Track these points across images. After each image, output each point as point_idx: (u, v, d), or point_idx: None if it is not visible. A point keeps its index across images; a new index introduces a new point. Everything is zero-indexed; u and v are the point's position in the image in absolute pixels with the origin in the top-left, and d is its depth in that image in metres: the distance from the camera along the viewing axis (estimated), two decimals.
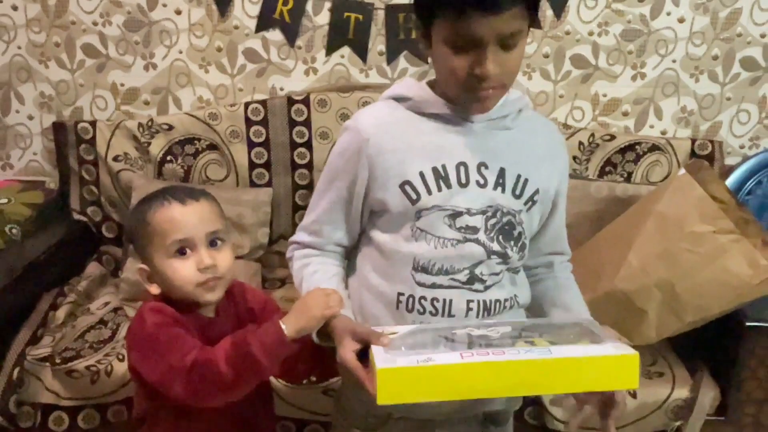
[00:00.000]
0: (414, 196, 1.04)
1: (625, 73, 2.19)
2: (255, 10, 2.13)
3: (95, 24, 2.15)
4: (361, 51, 2.17)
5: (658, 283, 1.60)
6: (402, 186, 1.04)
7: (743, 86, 2.20)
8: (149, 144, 2.13)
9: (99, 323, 1.84)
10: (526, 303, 1.14)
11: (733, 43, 2.15)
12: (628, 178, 2.15)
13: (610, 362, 0.90)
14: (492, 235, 1.05)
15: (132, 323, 1.09)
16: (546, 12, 2.11)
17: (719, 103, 2.21)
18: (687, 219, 1.60)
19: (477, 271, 1.05)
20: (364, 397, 0.94)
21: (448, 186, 1.04)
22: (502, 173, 1.06)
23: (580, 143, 2.15)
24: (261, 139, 2.15)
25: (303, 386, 1.61)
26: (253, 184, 2.16)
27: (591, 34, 2.15)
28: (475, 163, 1.05)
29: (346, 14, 2.13)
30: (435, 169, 1.04)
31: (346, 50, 2.17)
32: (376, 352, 0.93)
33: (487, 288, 1.06)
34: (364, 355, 0.97)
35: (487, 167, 1.05)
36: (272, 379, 1.31)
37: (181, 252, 1.06)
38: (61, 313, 1.84)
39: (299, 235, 1.17)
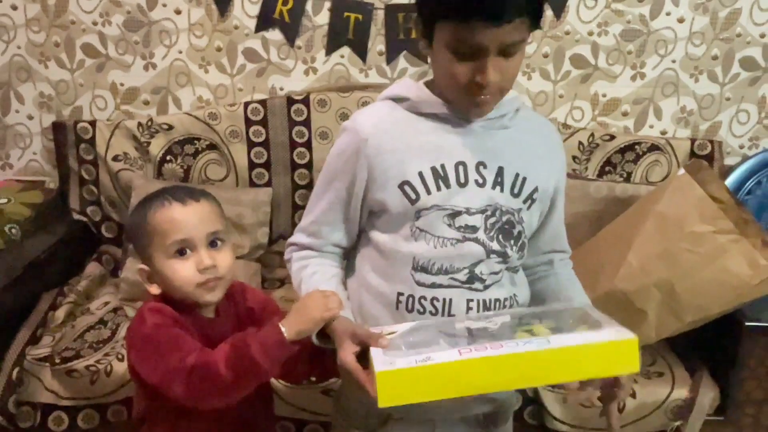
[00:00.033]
0: (413, 196, 1.04)
1: (624, 73, 2.19)
2: (255, 9, 2.13)
3: (95, 24, 2.15)
4: (361, 51, 2.17)
5: (658, 283, 1.60)
6: (401, 186, 1.04)
7: (743, 86, 2.20)
8: (149, 144, 2.13)
9: (99, 323, 1.83)
10: (526, 302, 1.14)
11: (733, 43, 2.15)
12: (627, 178, 2.16)
13: (609, 348, 0.90)
14: (491, 234, 1.05)
15: (132, 323, 1.09)
16: (546, 12, 2.11)
17: (719, 103, 2.22)
18: (686, 219, 1.60)
19: (477, 270, 1.05)
20: (365, 399, 0.94)
21: (447, 186, 1.04)
22: (500, 172, 1.06)
23: (580, 143, 2.15)
24: (261, 139, 2.15)
25: (302, 386, 1.61)
26: (252, 184, 2.17)
27: (591, 34, 2.15)
28: (473, 162, 1.05)
29: (345, 14, 2.13)
30: (434, 169, 1.04)
31: (345, 50, 2.17)
32: (375, 354, 0.93)
33: (486, 287, 1.06)
34: (365, 356, 0.97)
35: (485, 166, 1.06)
36: (272, 379, 1.31)
37: (181, 252, 1.06)
38: (60, 313, 1.84)
39: (297, 237, 1.17)
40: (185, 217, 1.06)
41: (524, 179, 1.07)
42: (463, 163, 1.05)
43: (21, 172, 2.30)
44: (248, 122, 2.14)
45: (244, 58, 2.18)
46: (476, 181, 1.05)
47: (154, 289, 1.09)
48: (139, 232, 1.08)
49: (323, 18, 2.14)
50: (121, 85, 2.21)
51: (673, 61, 2.17)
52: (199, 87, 2.21)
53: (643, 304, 1.62)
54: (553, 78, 2.19)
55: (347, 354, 0.97)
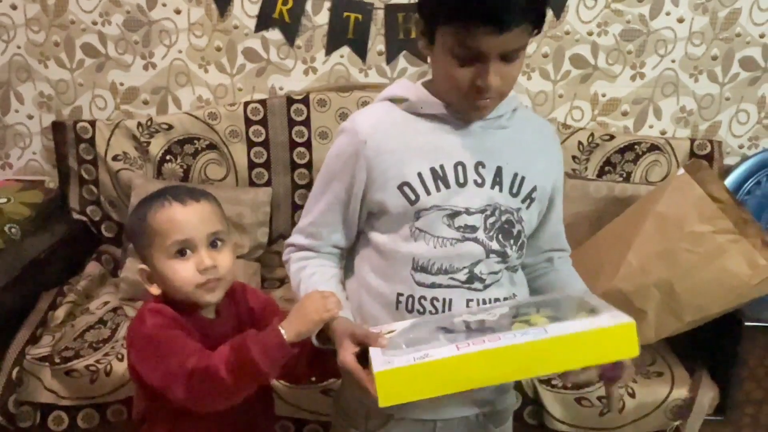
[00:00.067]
0: (413, 197, 1.04)
1: (624, 73, 2.19)
2: (254, 9, 2.13)
3: (94, 23, 2.15)
4: (361, 51, 2.17)
5: (658, 283, 1.60)
6: (400, 187, 1.04)
7: (742, 86, 2.20)
8: (149, 143, 2.13)
9: (98, 323, 1.83)
10: None
11: (733, 43, 2.15)
12: (627, 178, 2.16)
13: (607, 334, 0.90)
14: (491, 233, 1.05)
15: (132, 324, 1.09)
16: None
17: (718, 103, 2.22)
18: (686, 219, 1.60)
19: (476, 270, 1.05)
20: (365, 400, 0.94)
21: (447, 186, 1.04)
22: (498, 172, 1.06)
23: (580, 143, 2.15)
24: (260, 139, 2.15)
25: (302, 386, 1.61)
26: (252, 184, 2.17)
27: (590, 34, 2.15)
28: (472, 162, 1.06)
29: (345, 14, 2.13)
30: (433, 170, 1.04)
31: (345, 50, 2.17)
32: (374, 354, 0.94)
33: (486, 287, 1.06)
34: (365, 356, 0.97)
35: (484, 166, 1.06)
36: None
37: (182, 253, 1.06)
38: (60, 313, 1.84)
39: (295, 238, 1.17)
40: (186, 218, 1.06)
41: (523, 179, 1.08)
42: (462, 164, 1.05)
43: (21, 172, 2.30)
44: (248, 122, 2.14)
45: (244, 58, 2.18)
46: (475, 181, 1.05)
47: (155, 290, 1.08)
48: (139, 232, 1.08)
49: (323, 18, 2.14)
50: (121, 84, 2.21)
51: (673, 61, 2.17)
52: (199, 87, 2.21)
53: (643, 303, 1.62)
54: (552, 78, 2.19)
55: (347, 354, 0.97)
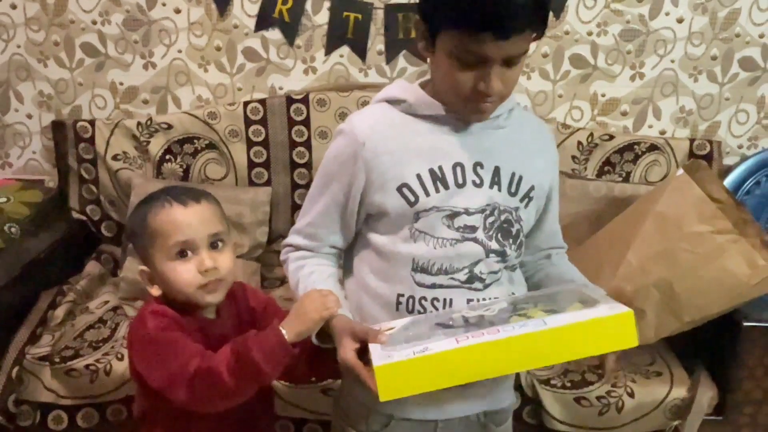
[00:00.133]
0: (412, 199, 1.04)
1: (623, 73, 2.19)
2: (254, 9, 2.13)
3: (94, 23, 2.15)
4: (361, 50, 2.17)
5: (657, 282, 1.60)
6: (399, 189, 1.04)
7: (742, 86, 2.20)
8: (148, 143, 2.13)
9: (98, 322, 1.84)
10: None
11: (732, 43, 2.15)
12: (626, 178, 2.16)
13: (605, 323, 0.90)
14: (491, 233, 1.05)
15: (133, 325, 1.09)
16: None
17: (718, 103, 2.22)
18: (685, 219, 1.60)
19: (476, 270, 1.05)
20: (364, 399, 0.94)
21: (446, 187, 1.04)
22: (497, 172, 1.07)
23: (579, 143, 2.15)
24: (260, 139, 2.15)
25: (302, 386, 1.61)
26: (252, 183, 2.17)
27: (590, 34, 2.15)
28: (471, 163, 1.06)
29: (345, 13, 2.13)
30: (432, 171, 1.04)
31: (345, 50, 2.17)
32: (374, 350, 0.94)
33: (486, 287, 1.06)
34: (365, 353, 0.97)
35: (482, 167, 1.06)
36: None
37: (182, 254, 1.05)
38: (60, 312, 1.84)
39: (293, 238, 1.17)
40: (186, 219, 1.05)
41: (521, 178, 1.08)
42: (461, 164, 1.05)
43: (20, 171, 2.30)
44: (248, 121, 2.14)
45: (244, 58, 2.18)
46: (474, 182, 1.06)
47: (155, 291, 1.08)
48: (139, 233, 1.08)
49: (323, 17, 2.14)
50: (121, 84, 2.21)
51: (672, 61, 2.17)
52: (199, 86, 2.21)
53: (642, 303, 1.62)
54: (552, 78, 2.19)
55: (347, 351, 0.98)
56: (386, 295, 1.07)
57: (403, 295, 1.06)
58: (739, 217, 1.59)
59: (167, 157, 2.14)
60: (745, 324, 1.63)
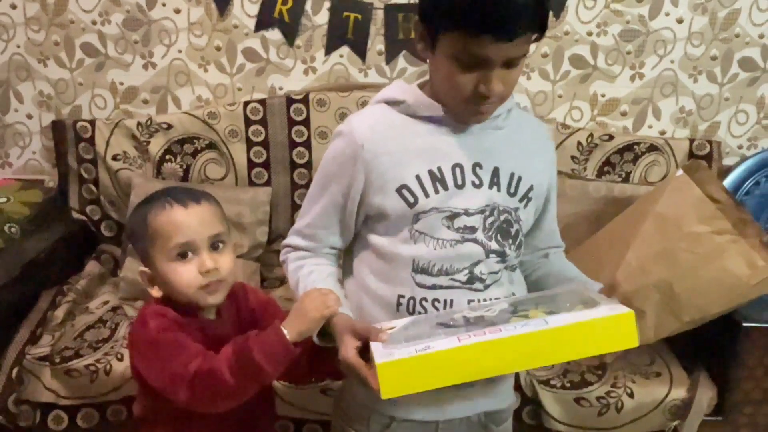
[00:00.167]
0: (411, 200, 1.04)
1: (623, 73, 2.19)
2: (254, 9, 2.13)
3: (94, 23, 2.15)
4: (360, 50, 2.17)
5: (657, 283, 1.60)
6: (399, 190, 1.04)
7: (741, 86, 2.20)
8: (148, 143, 2.13)
9: (98, 322, 1.84)
10: None
11: (732, 43, 2.15)
12: (626, 179, 2.16)
13: (606, 323, 0.91)
14: (490, 234, 1.06)
15: (133, 326, 1.09)
16: None
17: (717, 103, 2.22)
18: (685, 219, 1.61)
19: (476, 270, 1.05)
20: (365, 399, 0.94)
21: (445, 188, 1.04)
22: (496, 172, 1.07)
23: (579, 143, 2.15)
24: (260, 139, 2.15)
25: (302, 386, 1.61)
26: (252, 183, 2.17)
27: (590, 34, 2.15)
28: (470, 163, 1.06)
29: (345, 14, 2.13)
30: (431, 172, 1.04)
31: (345, 50, 2.17)
32: (375, 347, 0.94)
33: (486, 287, 1.06)
34: (366, 352, 0.97)
35: (481, 167, 1.06)
36: None
37: (183, 255, 1.05)
38: (60, 312, 1.84)
39: (292, 239, 1.17)
40: (187, 220, 1.05)
41: (519, 178, 1.08)
42: (460, 165, 1.05)
43: (20, 171, 2.30)
44: (247, 121, 2.14)
45: (244, 58, 2.18)
46: (473, 183, 1.06)
47: (156, 292, 1.08)
48: (139, 234, 1.08)
49: (323, 17, 2.14)
50: (121, 84, 2.21)
51: (672, 62, 2.17)
52: (199, 86, 2.21)
53: (642, 303, 1.62)
54: (552, 78, 2.20)
55: (348, 349, 0.98)
56: (387, 296, 1.07)
57: (403, 296, 1.06)
58: (738, 217, 1.59)
59: (167, 157, 2.14)
60: (745, 324, 1.63)
